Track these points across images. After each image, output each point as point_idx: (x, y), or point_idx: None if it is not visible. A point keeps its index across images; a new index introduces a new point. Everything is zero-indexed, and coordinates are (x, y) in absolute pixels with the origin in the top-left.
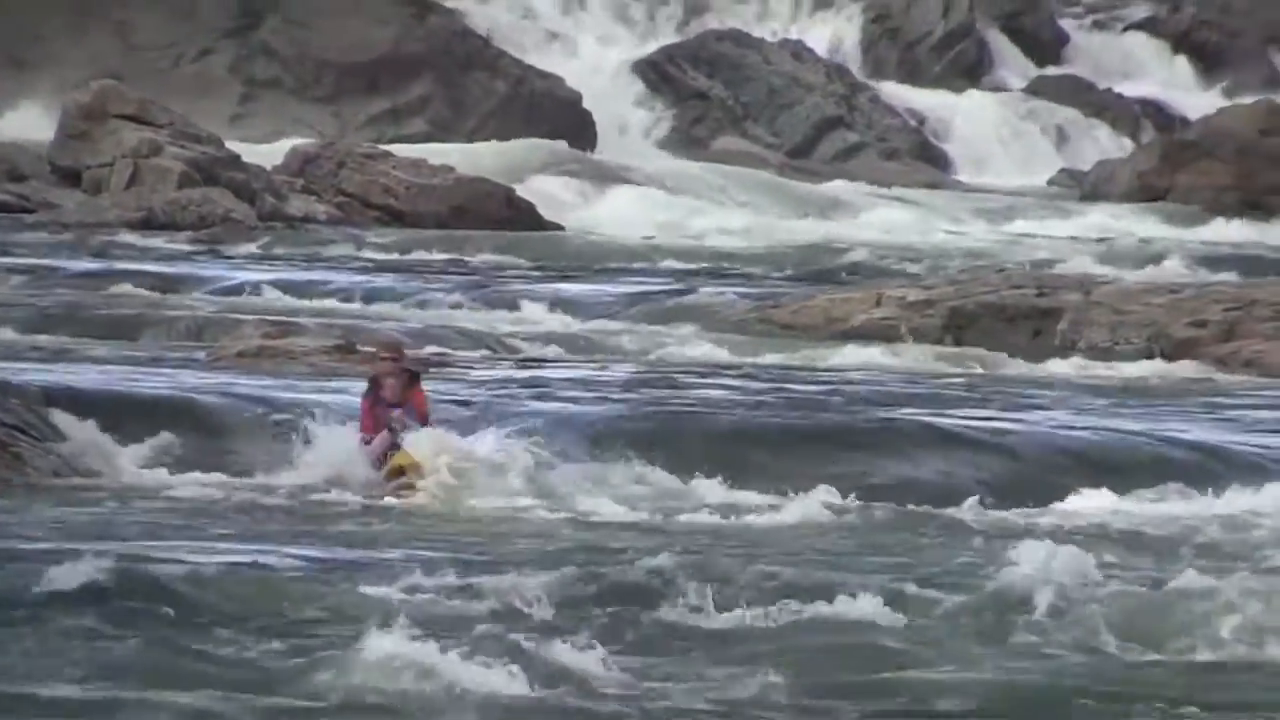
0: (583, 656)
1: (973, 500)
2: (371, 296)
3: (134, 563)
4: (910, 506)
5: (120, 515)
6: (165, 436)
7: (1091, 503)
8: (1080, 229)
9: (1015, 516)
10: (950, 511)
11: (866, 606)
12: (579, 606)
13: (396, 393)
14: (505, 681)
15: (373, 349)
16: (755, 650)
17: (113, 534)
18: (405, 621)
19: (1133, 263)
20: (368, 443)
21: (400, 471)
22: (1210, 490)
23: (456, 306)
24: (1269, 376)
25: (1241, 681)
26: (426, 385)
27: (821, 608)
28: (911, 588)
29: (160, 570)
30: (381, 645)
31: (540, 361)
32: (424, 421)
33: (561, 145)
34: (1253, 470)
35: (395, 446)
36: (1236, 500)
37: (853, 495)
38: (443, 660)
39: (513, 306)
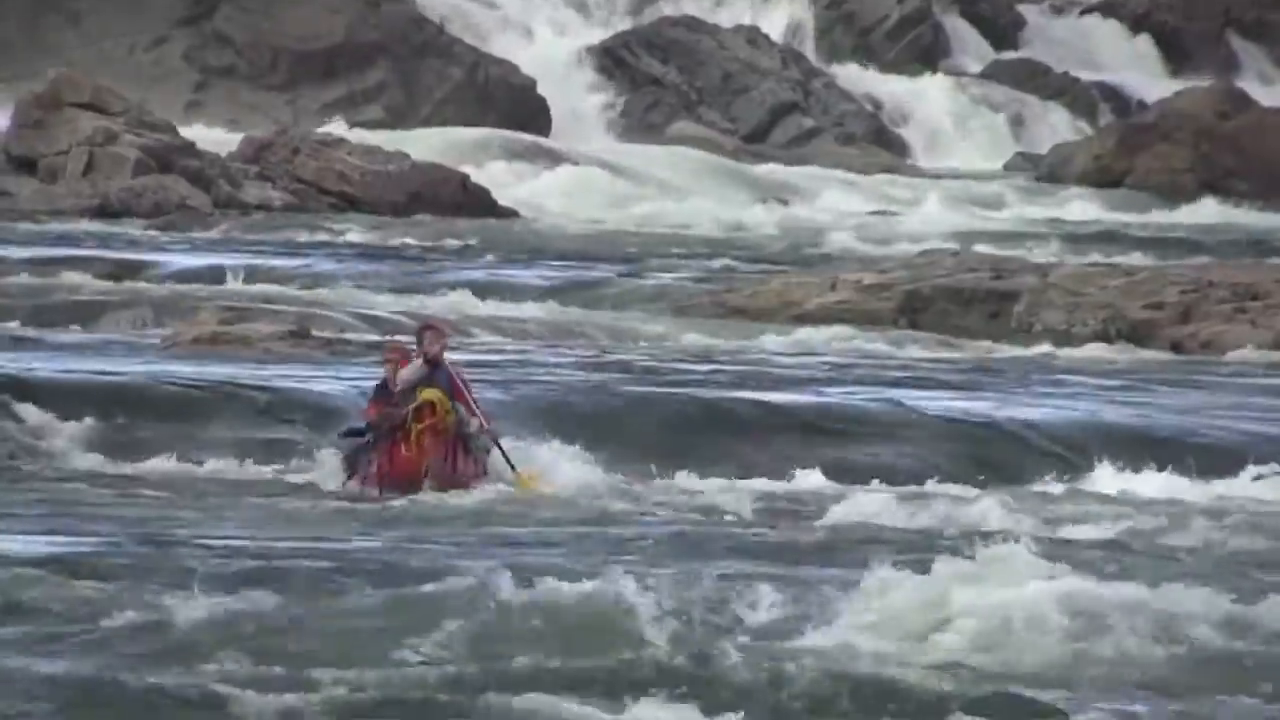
0: None
1: (932, 481)
2: (327, 282)
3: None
4: (876, 484)
5: (63, 497)
6: (119, 422)
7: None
8: (1037, 212)
9: (974, 496)
10: (911, 490)
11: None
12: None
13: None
14: None
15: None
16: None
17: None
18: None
19: (1089, 245)
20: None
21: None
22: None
23: (412, 292)
24: (1226, 357)
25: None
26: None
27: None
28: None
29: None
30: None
31: (500, 348)
32: (468, 392)
33: (516, 132)
34: (1209, 452)
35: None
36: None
37: (812, 475)
38: None
39: (469, 292)
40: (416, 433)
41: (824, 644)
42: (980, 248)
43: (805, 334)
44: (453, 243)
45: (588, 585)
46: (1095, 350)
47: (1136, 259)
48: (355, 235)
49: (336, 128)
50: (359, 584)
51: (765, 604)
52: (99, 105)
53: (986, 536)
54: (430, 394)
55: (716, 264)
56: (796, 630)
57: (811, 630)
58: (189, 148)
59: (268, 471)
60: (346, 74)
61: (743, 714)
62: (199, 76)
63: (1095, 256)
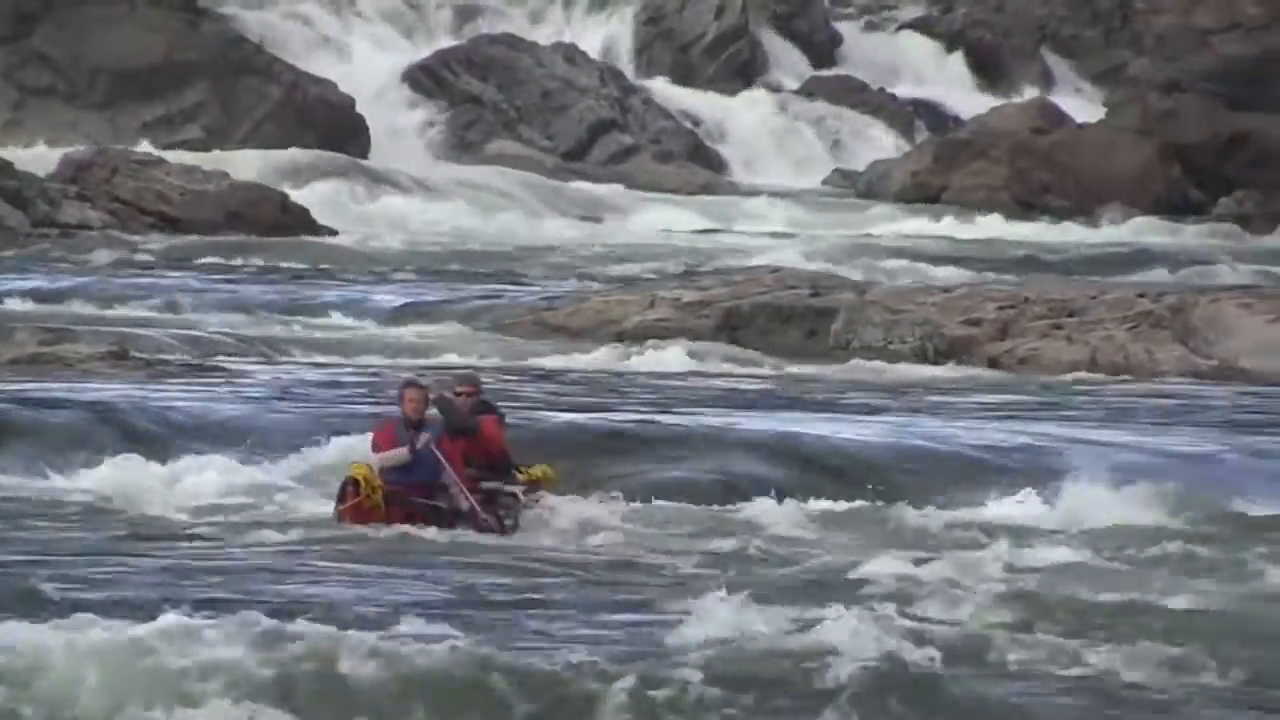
0: None
1: (753, 498)
2: (146, 302)
3: None
4: (685, 505)
5: None
6: None
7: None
8: (854, 229)
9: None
10: (722, 510)
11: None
12: None
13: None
14: None
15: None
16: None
17: None
18: None
19: (907, 262)
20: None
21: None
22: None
23: (229, 312)
24: (1041, 373)
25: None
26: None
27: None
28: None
29: None
30: None
31: (320, 366)
32: (503, 452)
33: (335, 153)
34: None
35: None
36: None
37: (627, 495)
38: None
39: (287, 311)
40: (338, 512)
41: None
42: (798, 265)
43: (620, 351)
44: (272, 262)
45: None
46: (911, 367)
47: (954, 275)
48: (174, 255)
49: (152, 149)
50: None
51: None
52: None
53: None
54: (358, 469)
55: (536, 282)
56: None
57: None
58: (6, 167)
59: (92, 491)
60: (165, 93)
61: None
62: (17, 95)
63: (913, 273)
